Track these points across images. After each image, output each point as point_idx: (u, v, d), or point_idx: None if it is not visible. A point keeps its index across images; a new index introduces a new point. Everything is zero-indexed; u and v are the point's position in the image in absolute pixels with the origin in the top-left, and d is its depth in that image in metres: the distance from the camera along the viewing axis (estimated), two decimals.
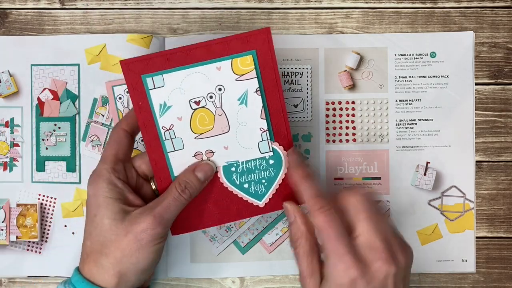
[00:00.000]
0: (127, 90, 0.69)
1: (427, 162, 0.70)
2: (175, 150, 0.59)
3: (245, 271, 0.70)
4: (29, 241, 0.70)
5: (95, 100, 0.70)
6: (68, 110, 0.70)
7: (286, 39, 0.70)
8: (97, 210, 0.56)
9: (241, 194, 0.61)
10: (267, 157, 0.60)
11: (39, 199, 0.70)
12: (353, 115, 0.70)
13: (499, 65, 0.71)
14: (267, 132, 0.59)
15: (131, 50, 0.69)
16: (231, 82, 0.58)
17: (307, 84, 0.70)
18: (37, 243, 0.70)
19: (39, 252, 0.70)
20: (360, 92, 0.70)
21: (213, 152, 0.59)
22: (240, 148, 0.59)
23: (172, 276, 0.70)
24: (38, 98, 0.70)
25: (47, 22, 0.71)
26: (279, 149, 0.60)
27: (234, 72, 0.58)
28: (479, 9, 0.71)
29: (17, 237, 0.69)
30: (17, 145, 0.70)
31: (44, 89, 0.70)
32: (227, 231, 0.70)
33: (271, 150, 0.60)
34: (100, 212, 0.56)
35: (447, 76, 0.70)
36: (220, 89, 0.58)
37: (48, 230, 0.70)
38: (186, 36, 0.70)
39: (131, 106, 0.68)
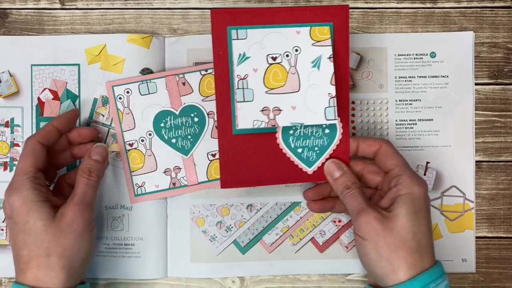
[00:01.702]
0: (127, 90, 0.69)
1: (427, 162, 0.70)
2: (244, 101, 0.61)
3: (245, 271, 0.70)
4: None
5: (95, 100, 0.70)
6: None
7: None
8: (28, 216, 0.59)
9: (293, 158, 0.64)
10: (323, 126, 0.64)
11: None
12: (353, 115, 0.70)
13: (499, 65, 0.71)
14: (335, 99, 0.61)
15: (131, 50, 0.69)
16: (308, 46, 0.62)
17: None
18: None
19: None
20: (360, 92, 0.70)
21: (280, 110, 0.61)
22: (306, 111, 0.61)
23: (172, 276, 0.70)
24: (38, 98, 0.70)
25: (47, 22, 0.71)
26: (337, 120, 0.63)
27: (311, 38, 0.62)
28: (479, 9, 0.71)
29: None
30: (17, 145, 0.70)
31: (44, 89, 0.70)
32: (227, 231, 0.70)
33: (337, 118, 0.61)
34: (31, 217, 0.59)
35: (447, 76, 0.70)
36: (296, 50, 0.62)
37: None
38: (186, 36, 0.70)
39: (131, 106, 0.69)
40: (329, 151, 0.64)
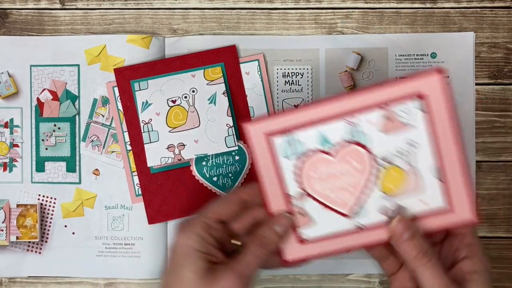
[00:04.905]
0: None
1: None
2: (150, 142, 0.68)
3: None
4: (29, 242, 0.70)
5: (95, 100, 0.70)
6: (68, 111, 0.70)
7: (286, 40, 0.70)
8: (185, 261, 0.53)
9: (210, 186, 0.70)
10: (233, 153, 0.69)
11: (39, 199, 0.70)
12: None
13: (499, 65, 0.71)
14: (233, 128, 0.69)
15: (131, 50, 0.69)
16: (203, 86, 0.69)
17: (308, 85, 0.70)
18: (37, 244, 0.70)
19: (39, 253, 0.70)
20: None
21: (184, 145, 0.68)
22: (208, 142, 0.68)
23: None
24: (38, 99, 0.70)
25: (48, 22, 0.70)
26: (244, 146, 0.69)
27: (205, 78, 0.69)
28: (478, 9, 0.71)
29: (17, 238, 0.69)
30: (17, 145, 0.70)
31: (44, 89, 0.70)
32: None
33: (236, 145, 0.68)
34: (187, 264, 0.53)
35: (448, 77, 0.70)
36: (193, 91, 0.69)
37: (48, 230, 0.70)
38: (186, 36, 0.70)
39: None
40: (243, 175, 0.70)
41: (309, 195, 0.54)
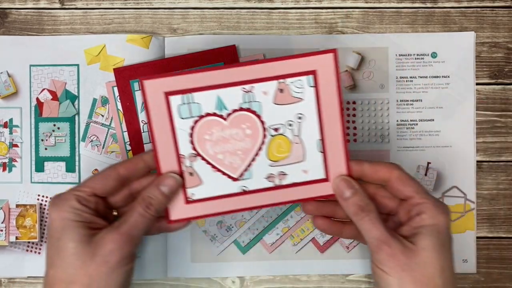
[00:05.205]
0: None
1: (428, 163, 0.70)
2: (150, 142, 0.65)
3: (245, 271, 0.70)
4: (29, 242, 0.70)
5: (94, 100, 0.70)
6: (67, 111, 0.70)
7: (286, 39, 0.70)
8: (62, 233, 0.53)
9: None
10: None
11: (38, 199, 0.70)
12: (354, 115, 0.70)
13: (499, 65, 0.71)
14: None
15: (131, 50, 0.69)
16: None
17: None
18: (37, 244, 0.70)
19: (39, 253, 0.70)
20: (361, 92, 0.70)
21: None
22: None
23: (172, 276, 0.70)
24: (37, 99, 0.70)
25: (47, 22, 0.70)
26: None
27: None
28: (479, 9, 0.71)
29: (16, 238, 0.69)
30: (16, 145, 0.70)
31: (43, 89, 0.70)
32: (228, 231, 0.70)
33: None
34: (64, 236, 0.53)
35: (448, 77, 0.70)
36: None
37: None
38: (186, 36, 0.70)
39: None
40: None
41: (200, 156, 0.57)
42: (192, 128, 0.56)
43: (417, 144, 0.70)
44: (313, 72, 0.56)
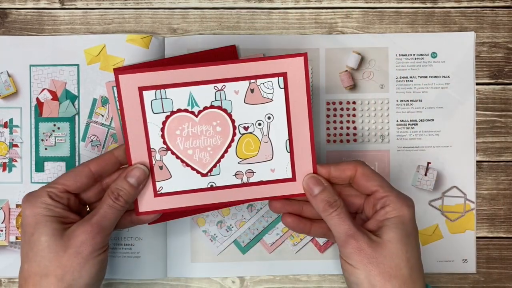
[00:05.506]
0: None
1: (428, 163, 0.70)
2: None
3: (245, 271, 0.70)
4: None
5: (94, 100, 0.70)
6: (68, 111, 0.70)
7: (286, 39, 0.70)
8: (34, 228, 0.55)
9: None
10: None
11: None
12: (354, 115, 0.70)
13: (499, 65, 0.71)
14: None
15: (131, 50, 0.69)
16: None
17: None
18: None
19: None
20: (361, 92, 0.70)
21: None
22: None
23: (172, 276, 0.70)
24: (37, 99, 0.70)
25: (47, 22, 0.70)
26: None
27: None
28: (479, 9, 0.71)
29: (16, 238, 0.69)
30: (16, 145, 0.70)
31: (43, 89, 0.70)
32: (228, 231, 0.70)
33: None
34: (37, 230, 0.55)
35: (448, 77, 0.70)
36: None
37: None
38: (186, 36, 0.70)
39: None
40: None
41: (170, 151, 0.58)
42: (164, 123, 0.58)
43: (417, 144, 0.70)
44: (283, 74, 0.58)
